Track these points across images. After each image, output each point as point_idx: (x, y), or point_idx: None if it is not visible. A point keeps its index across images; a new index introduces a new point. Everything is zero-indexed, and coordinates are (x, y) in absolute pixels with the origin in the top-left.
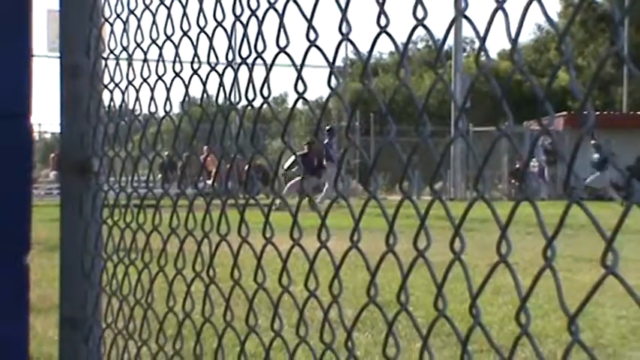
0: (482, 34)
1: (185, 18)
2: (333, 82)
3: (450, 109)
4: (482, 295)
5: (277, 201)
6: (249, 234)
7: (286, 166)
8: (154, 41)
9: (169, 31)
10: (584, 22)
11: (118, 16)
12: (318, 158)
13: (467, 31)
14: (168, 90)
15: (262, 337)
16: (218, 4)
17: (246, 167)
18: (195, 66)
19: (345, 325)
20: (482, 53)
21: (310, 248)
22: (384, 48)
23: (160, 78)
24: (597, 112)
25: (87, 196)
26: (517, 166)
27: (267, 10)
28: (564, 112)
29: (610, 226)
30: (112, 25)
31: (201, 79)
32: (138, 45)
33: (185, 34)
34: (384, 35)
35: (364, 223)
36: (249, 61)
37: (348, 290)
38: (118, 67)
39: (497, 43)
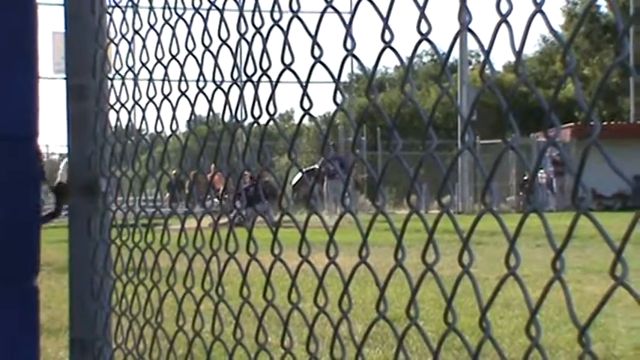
0: (486, 47)
1: (190, 37)
2: (339, 98)
3: (456, 121)
4: (493, 308)
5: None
6: (257, 251)
7: (294, 182)
8: (159, 61)
9: (174, 51)
10: (588, 34)
11: (123, 36)
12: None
13: (472, 44)
14: (174, 109)
15: (273, 355)
16: (222, 23)
17: (253, 183)
18: (201, 84)
19: (355, 341)
20: (487, 66)
21: (319, 264)
22: (390, 62)
23: (165, 97)
24: (604, 123)
25: (95, 216)
26: (525, 178)
27: (272, 27)
28: (571, 123)
29: (619, 236)
30: (117, 45)
31: (207, 98)
32: (143, 65)
33: (190, 53)
34: (389, 50)
35: (372, 238)
36: (255, 78)
37: (357, 305)
38: (123, 87)
39: (502, 55)
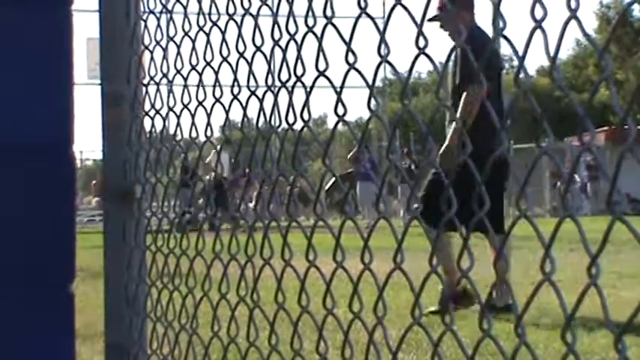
0: (520, 52)
1: (224, 43)
2: (373, 103)
3: None
4: (527, 314)
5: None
6: (292, 257)
7: (327, 187)
8: (193, 67)
9: (209, 57)
10: (619, 38)
11: (158, 43)
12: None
13: (505, 48)
14: (208, 115)
15: None
16: (257, 29)
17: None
18: (235, 91)
19: (390, 347)
20: (522, 72)
21: (353, 269)
22: (423, 67)
23: (200, 103)
24: (639, 127)
25: (130, 222)
26: (558, 183)
27: (306, 34)
28: (605, 127)
29: None
30: (151, 52)
31: (241, 104)
32: (178, 71)
33: (224, 59)
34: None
35: (406, 243)
36: (289, 84)
37: (391, 311)
38: (158, 94)
39: (535, 60)
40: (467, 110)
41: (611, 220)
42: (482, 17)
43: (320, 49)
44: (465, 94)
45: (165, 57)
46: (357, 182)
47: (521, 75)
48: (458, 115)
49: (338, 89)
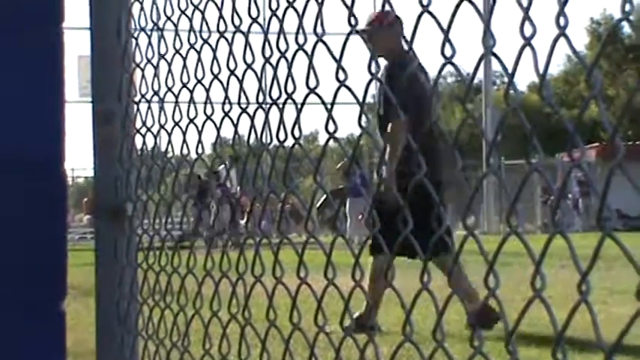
0: (510, 69)
1: (215, 61)
2: (364, 120)
3: (480, 141)
4: (517, 330)
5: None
6: (283, 274)
7: (318, 204)
8: (184, 85)
9: (200, 75)
10: (609, 55)
11: (149, 61)
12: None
13: (496, 64)
14: (199, 132)
15: None
16: (248, 47)
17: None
18: (226, 108)
19: None
20: (511, 89)
21: (344, 286)
22: None
23: (191, 121)
24: (629, 142)
25: (121, 240)
26: (550, 198)
27: (297, 51)
28: (596, 143)
29: None
30: (142, 70)
31: (232, 121)
32: (169, 89)
33: (215, 77)
34: None
35: (398, 260)
36: (280, 102)
37: (383, 327)
38: (149, 111)
39: (526, 76)
40: (393, 142)
41: (601, 237)
42: (472, 34)
43: (310, 66)
44: (389, 125)
45: (156, 75)
46: (347, 198)
47: (511, 92)
48: (387, 149)
49: (329, 106)
